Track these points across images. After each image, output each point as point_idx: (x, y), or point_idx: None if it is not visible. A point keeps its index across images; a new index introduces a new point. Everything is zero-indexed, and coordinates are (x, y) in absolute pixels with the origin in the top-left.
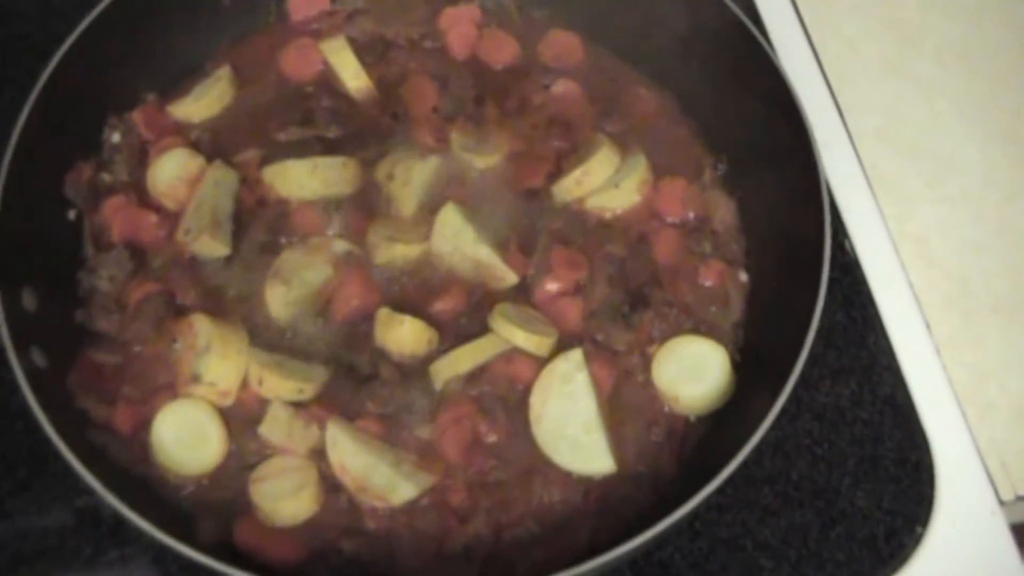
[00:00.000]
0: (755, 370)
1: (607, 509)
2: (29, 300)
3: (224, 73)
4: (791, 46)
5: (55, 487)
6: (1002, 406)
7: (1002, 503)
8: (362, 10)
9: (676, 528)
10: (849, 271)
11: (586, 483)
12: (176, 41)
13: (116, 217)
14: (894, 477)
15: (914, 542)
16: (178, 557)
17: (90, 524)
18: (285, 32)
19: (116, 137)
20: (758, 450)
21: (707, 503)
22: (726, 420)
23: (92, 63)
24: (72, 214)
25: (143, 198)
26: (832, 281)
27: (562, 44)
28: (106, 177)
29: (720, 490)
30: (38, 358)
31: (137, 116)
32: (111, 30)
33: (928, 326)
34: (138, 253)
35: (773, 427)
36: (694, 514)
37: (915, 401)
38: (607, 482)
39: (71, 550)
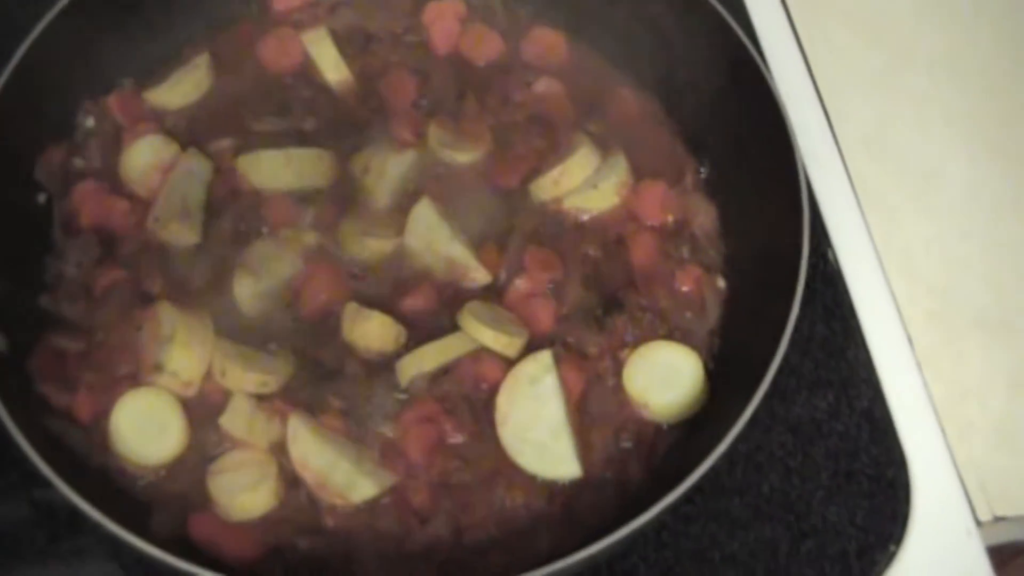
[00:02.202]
0: (729, 378)
1: (571, 515)
2: None
3: (203, 61)
4: (782, 53)
5: (10, 475)
6: (982, 424)
7: (979, 523)
8: (345, 2)
9: (640, 536)
10: (831, 282)
11: (551, 488)
12: (155, 26)
13: (86, 202)
14: (869, 493)
15: (887, 560)
16: (133, 549)
17: (45, 514)
18: (266, 21)
19: (90, 122)
20: (730, 460)
21: (674, 513)
22: (697, 428)
23: (68, 45)
24: (42, 198)
25: (115, 184)
26: (814, 292)
27: (546, 42)
28: (78, 162)
29: (688, 500)
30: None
31: (112, 101)
32: (88, 13)
33: (910, 340)
34: (107, 239)
35: (746, 438)
36: (660, 523)
37: (893, 416)
38: (573, 488)
39: (25, 540)
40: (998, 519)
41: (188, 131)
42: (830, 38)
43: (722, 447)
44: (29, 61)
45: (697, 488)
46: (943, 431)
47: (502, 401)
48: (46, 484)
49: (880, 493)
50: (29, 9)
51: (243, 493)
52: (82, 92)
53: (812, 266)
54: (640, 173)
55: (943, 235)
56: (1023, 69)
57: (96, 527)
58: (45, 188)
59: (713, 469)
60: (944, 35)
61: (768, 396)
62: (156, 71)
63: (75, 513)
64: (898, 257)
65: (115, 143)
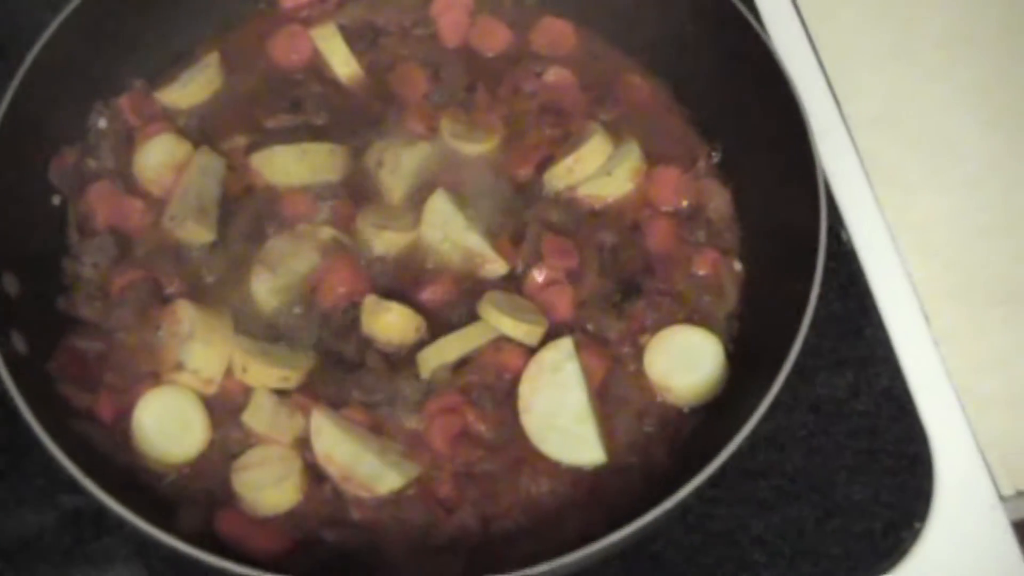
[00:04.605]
0: (749, 360)
1: (597, 501)
2: (11, 285)
3: (213, 60)
4: (786, 33)
5: (35, 481)
6: (1003, 399)
7: (1002, 498)
8: None
9: (667, 520)
10: (846, 261)
11: (576, 474)
12: (165, 27)
13: (101, 203)
14: (892, 471)
15: (912, 537)
16: (160, 548)
17: (71, 515)
18: (275, 19)
19: (102, 123)
20: (752, 443)
21: (700, 496)
22: (719, 411)
23: (78, 48)
24: (56, 200)
25: (129, 184)
26: (829, 271)
27: (555, 31)
28: (91, 163)
29: (713, 483)
30: (19, 343)
31: (124, 102)
32: (98, 15)
33: (927, 317)
34: (123, 240)
35: (768, 419)
36: (687, 507)
37: (913, 393)
38: (597, 473)
39: (50, 542)
40: (1021, 493)
41: (200, 130)
42: (835, 17)
43: (747, 428)
44: (40, 65)
45: (721, 471)
46: (963, 407)
47: (524, 389)
48: (71, 487)
49: (903, 470)
50: (38, 14)
51: (268, 489)
52: (94, 94)
53: (826, 246)
54: (653, 159)
55: (957, 210)
56: None
57: (122, 527)
58: (59, 190)
59: (736, 451)
60: (952, 8)
61: (788, 377)
62: (167, 71)
63: (100, 515)
64: (913, 233)
65: (128, 144)
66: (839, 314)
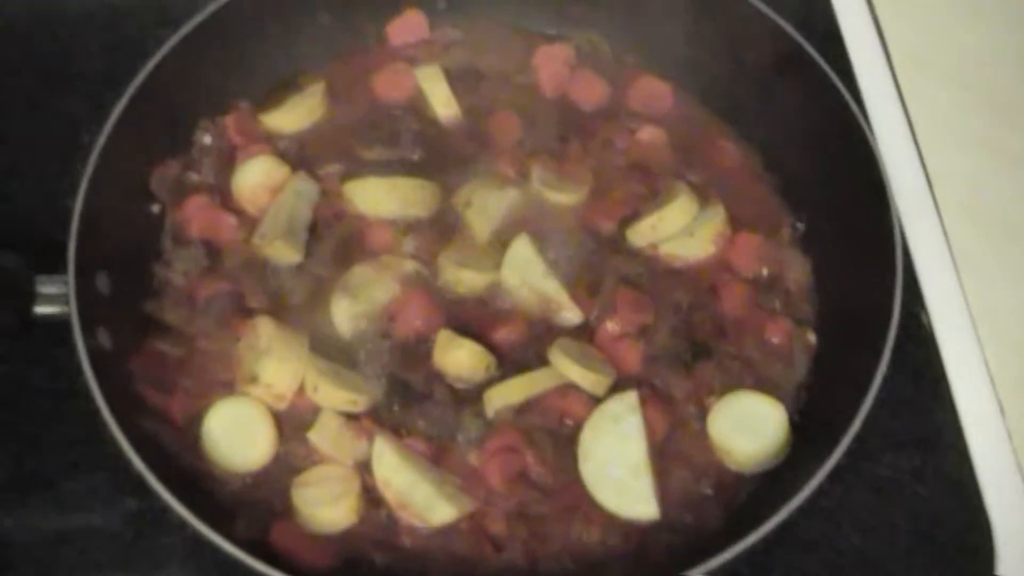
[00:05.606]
0: (813, 432)
1: (646, 556)
2: (103, 283)
3: (318, 89)
4: (885, 111)
5: (99, 475)
6: None
7: None
8: (459, 41)
9: None
10: (923, 344)
11: (628, 527)
12: (274, 53)
13: (197, 215)
14: (950, 559)
15: None
16: (215, 552)
17: (132, 514)
18: (382, 55)
19: (207, 139)
20: (810, 515)
21: (749, 562)
22: (779, 479)
23: (191, 66)
24: (156, 208)
25: (225, 200)
26: (905, 353)
27: (652, 91)
28: (192, 176)
29: (766, 550)
30: (104, 340)
31: (229, 121)
32: (212, 37)
33: (1002, 407)
34: (214, 252)
35: (827, 494)
36: (734, 572)
37: (980, 483)
38: (649, 528)
39: (110, 538)
40: None
41: (299, 154)
42: (933, 98)
43: (799, 499)
44: (152, 80)
45: (775, 539)
46: None
47: (586, 437)
48: (135, 484)
49: (963, 560)
50: (156, 31)
51: (325, 507)
52: (201, 111)
53: (904, 327)
54: (737, 224)
55: None
56: None
57: (181, 528)
58: (159, 199)
59: (792, 522)
60: None
61: (852, 454)
62: (273, 96)
63: (162, 512)
64: (991, 323)
65: (228, 161)
66: (911, 396)
